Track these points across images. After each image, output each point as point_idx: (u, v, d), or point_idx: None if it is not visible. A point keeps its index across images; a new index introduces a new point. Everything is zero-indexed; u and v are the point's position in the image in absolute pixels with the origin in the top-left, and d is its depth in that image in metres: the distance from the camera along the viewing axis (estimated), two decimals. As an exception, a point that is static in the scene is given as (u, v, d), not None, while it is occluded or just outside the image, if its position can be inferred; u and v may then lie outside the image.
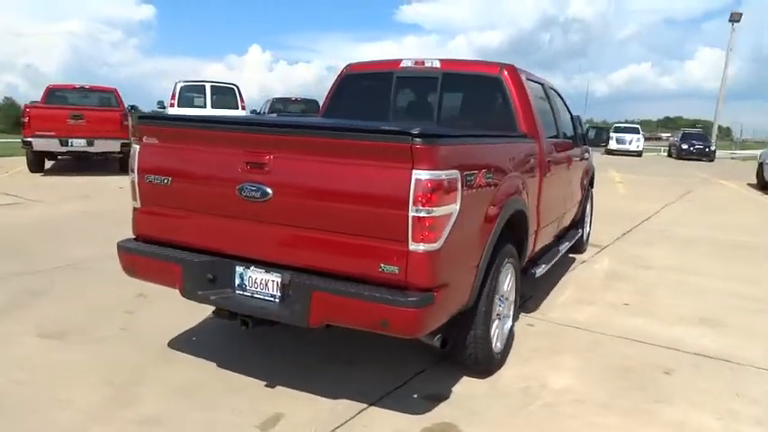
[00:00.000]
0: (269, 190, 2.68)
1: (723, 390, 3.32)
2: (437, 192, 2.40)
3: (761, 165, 15.47)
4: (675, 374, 3.49)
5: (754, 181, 15.92)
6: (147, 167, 3.05)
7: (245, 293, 2.88)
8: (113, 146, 11.82)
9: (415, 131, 2.38)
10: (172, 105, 15.16)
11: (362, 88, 4.59)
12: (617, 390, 3.26)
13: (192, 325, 3.98)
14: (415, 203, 2.39)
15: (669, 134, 55.05)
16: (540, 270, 4.17)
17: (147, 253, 3.05)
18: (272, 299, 2.81)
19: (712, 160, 29.61)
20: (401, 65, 4.36)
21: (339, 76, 4.67)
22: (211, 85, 15.53)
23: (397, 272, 2.47)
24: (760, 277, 5.94)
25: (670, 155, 33.51)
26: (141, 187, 3.09)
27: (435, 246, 2.45)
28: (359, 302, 2.49)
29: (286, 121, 2.92)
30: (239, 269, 2.89)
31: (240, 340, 3.78)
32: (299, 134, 2.69)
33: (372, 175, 2.48)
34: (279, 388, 3.13)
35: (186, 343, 3.72)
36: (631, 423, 2.92)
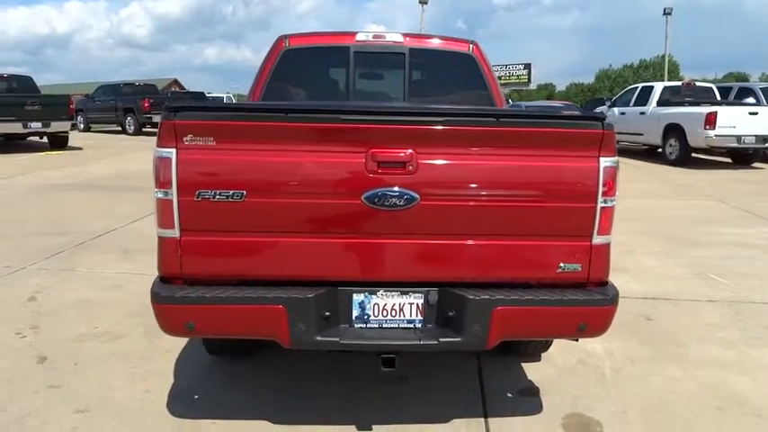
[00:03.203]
0: (415, 194, 2.16)
1: (701, 325, 3.92)
2: (616, 179, 2.27)
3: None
4: (657, 319, 4.00)
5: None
6: (199, 180, 2.16)
7: (370, 326, 2.31)
8: None
9: (601, 115, 2.19)
10: None
11: (310, 65, 3.96)
12: (644, 343, 3.59)
13: (157, 382, 3.04)
14: (603, 194, 2.22)
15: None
16: None
17: (221, 299, 2.17)
18: (410, 325, 2.32)
19: None
20: (357, 38, 3.89)
21: (275, 50, 3.92)
22: None
23: (580, 269, 2.27)
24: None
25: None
26: (185, 208, 2.18)
27: (610, 237, 2.33)
28: (556, 310, 2.23)
29: (428, 109, 2.33)
30: (358, 297, 2.30)
31: (245, 378, 3.08)
32: (455, 123, 2.21)
33: (553, 167, 2.21)
34: (377, 428, 2.64)
35: (191, 404, 2.84)
36: (690, 370, 3.25)
